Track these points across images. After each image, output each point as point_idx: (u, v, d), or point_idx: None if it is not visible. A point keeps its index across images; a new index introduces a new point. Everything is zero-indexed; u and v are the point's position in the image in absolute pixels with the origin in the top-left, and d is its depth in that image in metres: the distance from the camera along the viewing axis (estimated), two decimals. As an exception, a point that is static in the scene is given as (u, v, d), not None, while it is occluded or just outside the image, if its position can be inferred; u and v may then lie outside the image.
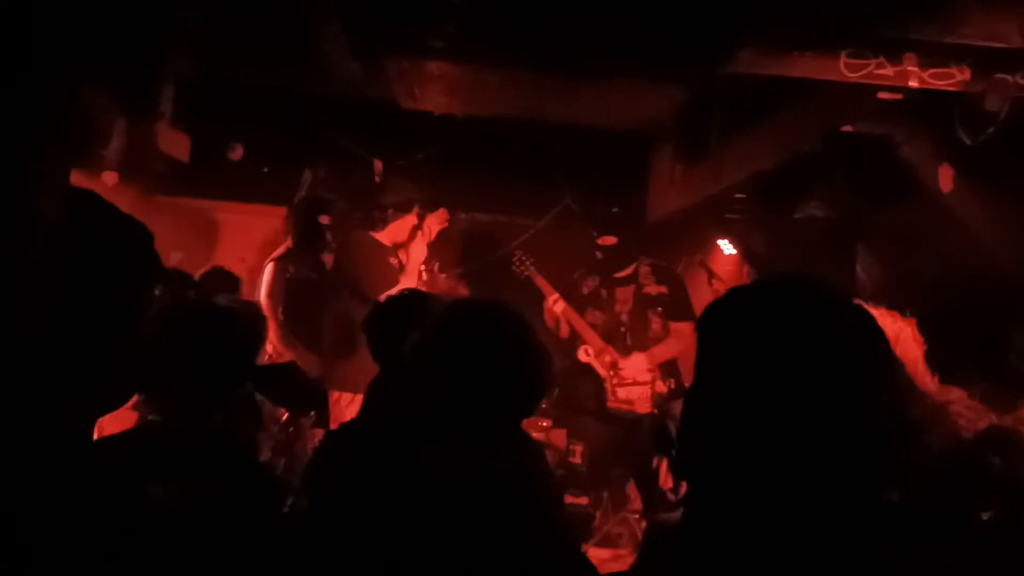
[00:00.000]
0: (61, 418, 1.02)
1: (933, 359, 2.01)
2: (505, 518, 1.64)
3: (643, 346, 4.96)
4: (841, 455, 1.22)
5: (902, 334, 1.86)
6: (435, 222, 4.79)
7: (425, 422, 1.67)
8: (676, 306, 5.04)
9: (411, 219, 4.74)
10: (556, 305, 5.00)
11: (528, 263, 5.13)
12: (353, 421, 2.56)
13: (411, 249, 4.71)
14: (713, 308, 1.30)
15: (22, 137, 0.87)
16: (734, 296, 1.29)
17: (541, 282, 5.07)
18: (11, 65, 0.88)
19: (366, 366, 2.75)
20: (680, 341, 4.96)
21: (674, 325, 4.99)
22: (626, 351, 4.97)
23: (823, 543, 1.14)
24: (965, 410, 1.53)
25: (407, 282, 4.45)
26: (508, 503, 1.68)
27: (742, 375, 1.19)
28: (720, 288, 5.38)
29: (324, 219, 4.86)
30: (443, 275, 5.10)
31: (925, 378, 1.92)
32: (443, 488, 1.62)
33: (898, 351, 1.77)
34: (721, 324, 1.26)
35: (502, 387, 1.66)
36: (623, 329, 5.01)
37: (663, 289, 5.06)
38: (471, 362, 1.66)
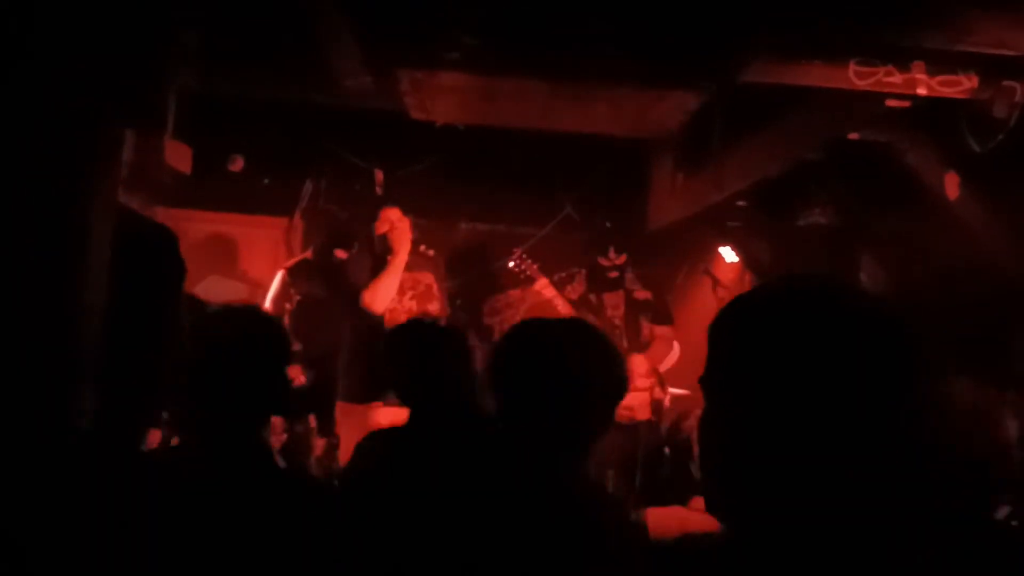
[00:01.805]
0: (113, 430, 1.00)
1: (937, 364, 2.00)
2: (577, 532, 1.61)
3: (638, 351, 4.96)
4: (882, 463, 1.20)
5: None
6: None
7: (501, 439, 1.65)
8: (661, 310, 5.13)
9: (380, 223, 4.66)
10: (563, 308, 4.96)
11: (530, 262, 5.05)
12: (391, 430, 2.57)
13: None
14: (732, 314, 1.25)
15: (78, 158, 0.86)
16: (753, 301, 1.25)
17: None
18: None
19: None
20: (666, 345, 5.00)
21: (658, 329, 5.04)
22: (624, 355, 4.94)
23: (867, 554, 1.13)
24: None
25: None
26: (580, 518, 1.64)
27: (777, 384, 1.16)
28: (725, 296, 5.38)
29: (340, 254, 4.82)
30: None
31: None
32: (513, 502, 1.59)
33: None
34: (748, 331, 1.23)
35: (581, 403, 1.65)
36: (618, 333, 4.99)
37: (648, 295, 5.10)
38: (552, 378, 1.64)
